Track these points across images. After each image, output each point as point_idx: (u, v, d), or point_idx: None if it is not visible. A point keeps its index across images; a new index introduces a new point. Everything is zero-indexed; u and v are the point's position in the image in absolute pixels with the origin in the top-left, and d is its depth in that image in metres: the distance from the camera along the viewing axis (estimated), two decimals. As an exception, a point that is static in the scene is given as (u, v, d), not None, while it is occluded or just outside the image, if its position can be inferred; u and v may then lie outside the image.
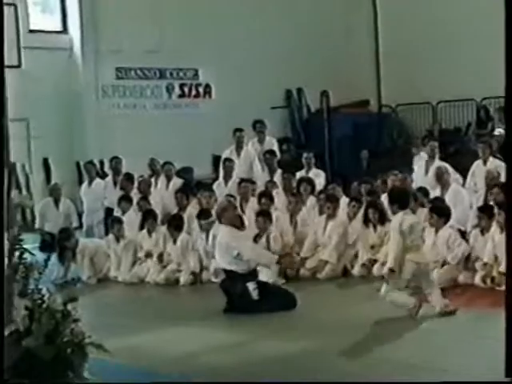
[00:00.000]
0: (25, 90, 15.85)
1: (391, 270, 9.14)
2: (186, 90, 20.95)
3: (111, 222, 13.99)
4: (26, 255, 6.09)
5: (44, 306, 5.85)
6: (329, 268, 12.48)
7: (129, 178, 15.36)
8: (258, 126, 15.73)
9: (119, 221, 13.86)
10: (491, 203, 11.83)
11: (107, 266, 13.64)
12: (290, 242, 12.84)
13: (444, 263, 11.14)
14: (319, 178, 15.04)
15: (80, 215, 16.18)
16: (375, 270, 11.86)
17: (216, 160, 18.37)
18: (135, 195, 14.87)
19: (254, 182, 14.39)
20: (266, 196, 13.51)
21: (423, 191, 12.87)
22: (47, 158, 18.99)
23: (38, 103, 17.97)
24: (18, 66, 16.36)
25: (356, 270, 12.35)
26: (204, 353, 8.25)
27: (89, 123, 19.39)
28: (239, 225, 10.62)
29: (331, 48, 22.17)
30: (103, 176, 16.83)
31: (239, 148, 15.39)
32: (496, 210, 11.00)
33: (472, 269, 11.02)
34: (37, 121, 18.25)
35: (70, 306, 5.92)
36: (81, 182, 17.63)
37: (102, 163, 18.17)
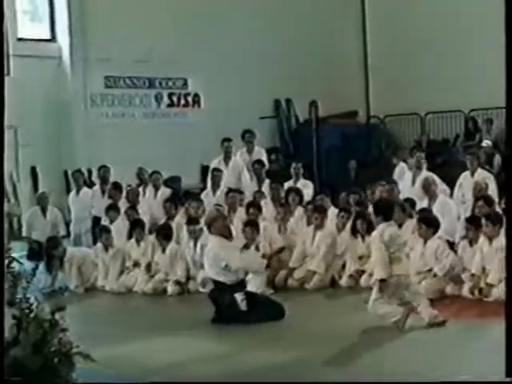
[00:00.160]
0: (13, 99, 15.77)
1: (382, 280, 9.12)
2: (175, 99, 20.94)
3: (99, 231, 13.96)
4: (14, 264, 6.07)
5: (32, 315, 5.81)
6: (317, 278, 12.49)
7: (117, 186, 15.34)
8: (247, 136, 15.73)
9: (107, 230, 13.84)
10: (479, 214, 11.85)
11: (95, 275, 13.60)
12: (279, 247, 12.87)
13: (433, 274, 11.15)
14: (307, 188, 15.04)
15: (68, 224, 16.14)
16: (363, 280, 11.86)
17: (204, 169, 18.36)
18: (123, 204, 14.85)
19: (241, 192, 14.38)
20: (254, 206, 13.52)
21: (410, 202, 12.90)
22: (35, 166, 18.94)
23: (26, 112, 17.92)
24: (7, 74, 16.32)
25: (344, 281, 12.35)
26: (191, 363, 8.23)
27: (77, 132, 19.34)
28: (228, 235, 10.60)
29: (320, 59, 22.21)
30: (91, 185, 16.79)
31: (227, 158, 15.37)
32: (484, 222, 11.02)
33: (459, 281, 11.01)
34: (25, 129, 18.19)
35: (57, 316, 5.89)
36: (68, 191, 17.57)
37: (89, 172, 18.12)
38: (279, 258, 12.57)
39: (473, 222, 11.33)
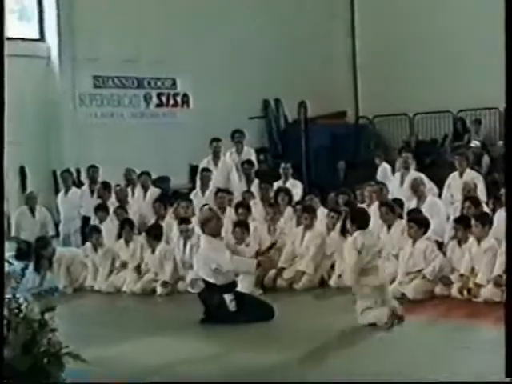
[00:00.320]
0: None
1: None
2: (164, 99, 20.90)
3: (90, 231, 13.93)
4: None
5: (21, 315, 5.80)
6: (306, 279, 12.49)
7: (106, 186, 15.32)
8: (237, 136, 15.73)
9: (98, 230, 13.82)
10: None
11: (83, 275, 13.58)
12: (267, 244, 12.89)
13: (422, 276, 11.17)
14: (296, 188, 15.05)
15: (57, 224, 16.10)
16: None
17: (193, 170, 18.34)
18: (112, 204, 14.83)
19: (231, 193, 14.38)
20: (244, 206, 13.52)
21: (398, 202, 12.91)
22: (23, 166, 18.87)
23: (14, 111, 17.81)
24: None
25: (333, 281, 12.35)
26: (180, 363, 8.20)
27: (66, 132, 19.26)
28: (219, 235, 10.60)
29: (308, 59, 22.21)
30: (80, 185, 16.76)
31: (216, 158, 15.37)
32: (473, 222, 11.05)
33: (448, 283, 11.02)
34: (13, 129, 18.08)
35: (47, 316, 5.87)
36: (57, 191, 17.53)
37: (78, 172, 18.08)
38: (269, 258, 12.54)
39: (461, 223, 11.35)
